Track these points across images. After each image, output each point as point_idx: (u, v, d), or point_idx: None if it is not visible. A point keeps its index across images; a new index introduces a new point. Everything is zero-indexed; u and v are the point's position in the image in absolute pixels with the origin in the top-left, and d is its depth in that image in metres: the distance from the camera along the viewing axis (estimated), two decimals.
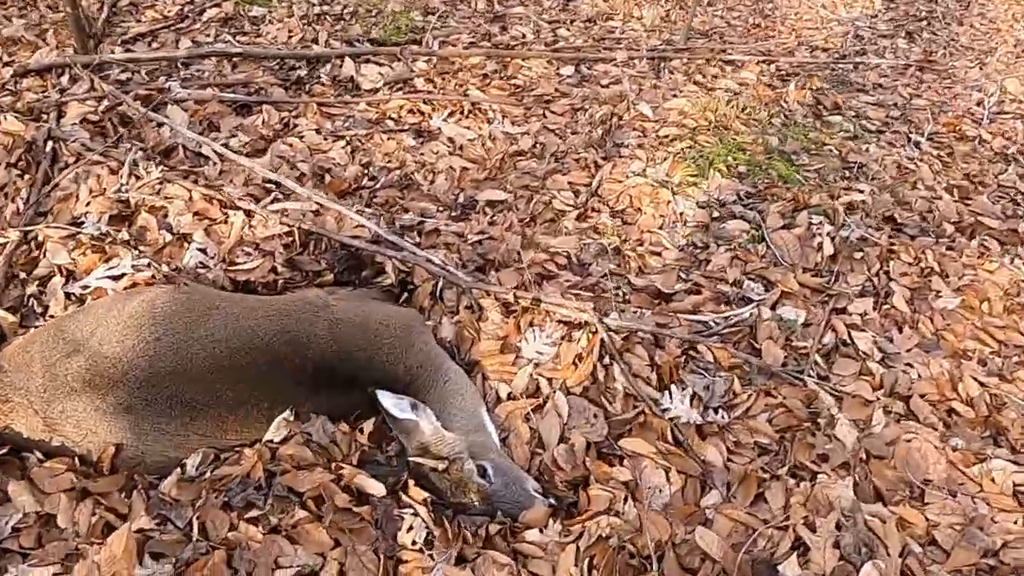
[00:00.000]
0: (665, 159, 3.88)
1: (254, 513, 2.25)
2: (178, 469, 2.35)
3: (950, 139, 4.82)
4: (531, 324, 2.78)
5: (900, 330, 2.95)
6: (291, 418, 2.44)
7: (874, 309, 3.02)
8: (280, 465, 2.38)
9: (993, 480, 2.37)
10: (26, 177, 3.41)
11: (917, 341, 2.91)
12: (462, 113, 4.32)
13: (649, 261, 3.25)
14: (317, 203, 3.21)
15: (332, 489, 2.30)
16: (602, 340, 2.68)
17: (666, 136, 4.17)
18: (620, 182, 3.75)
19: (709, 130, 4.22)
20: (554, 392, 2.61)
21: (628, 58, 5.41)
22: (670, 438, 2.45)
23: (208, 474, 2.37)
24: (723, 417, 2.52)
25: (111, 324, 2.41)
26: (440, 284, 2.95)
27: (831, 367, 2.76)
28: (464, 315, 2.83)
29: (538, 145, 4.12)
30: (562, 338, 2.75)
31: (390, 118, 4.24)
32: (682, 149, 3.96)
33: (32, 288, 2.88)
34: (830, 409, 2.56)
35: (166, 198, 3.29)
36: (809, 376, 2.67)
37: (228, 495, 2.30)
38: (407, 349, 2.61)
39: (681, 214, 3.50)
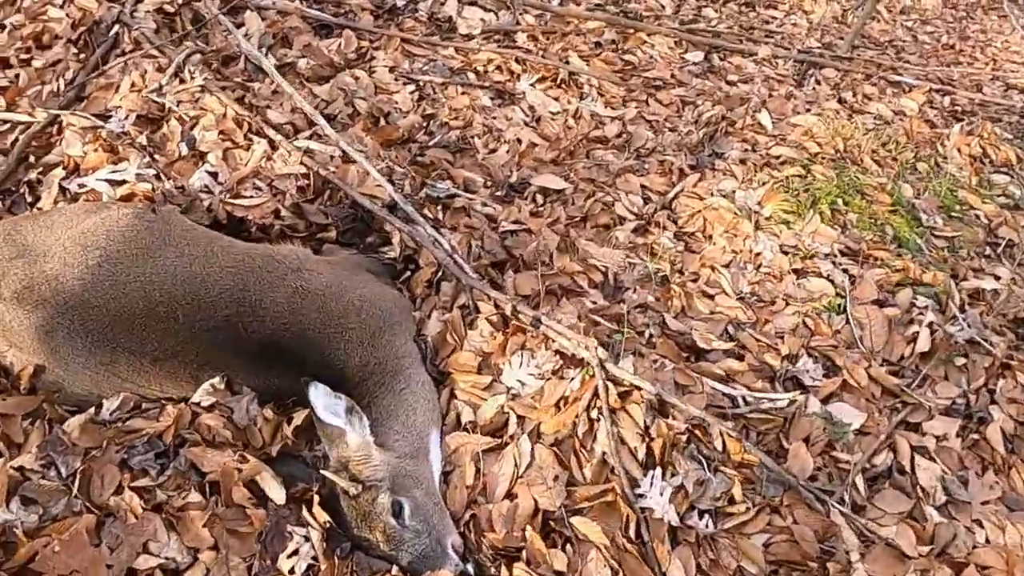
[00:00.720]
0: (763, 184, 3.27)
1: (145, 482, 2.01)
2: (93, 409, 2.15)
3: None
4: (523, 346, 2.37)
5: (983, 472, 2.31)
6: (220, 386, 2.18)
7: (958, 436, 2.38)
8: (194, 434, 2.13)
9: None
10: (81, 57, 3.29)
11: (1000, 493, 2.26)
12: (554, 81, 3.85)
13: (696, 302, 2.72)
14: (343, 150, 2.88)
15: (233, 479, 2.02)
16: (597, 387, 2.23)
17: (777, 156, 3.54)
18: (700, 199, 3.20)
19: (831, 160, 3.54)
20: (521, 434, 2.20)
21: (772, 56, 4.70)
22: (634, 532, 1.99)
23: (121, 423, 2.16)
24: (708, 525, 2.03)
25: (61, 238, 2.21)
26: (441, 273, 2.57)
27: (872, 497, 2.19)
28: (455, 315, 2.45)
29: (624, 135, 3.60)
30: (553, 372, 2.32)
31: (474, 70, 3.84)
32: (788, 176, 3.33)
33: (33, 174, 2.75)
34: (849, 553, 2.01)
35: (201, 108, 3.07)
36: (839, 503, 2.11)
37: (129, 452, 2.08)
38: (372, 340, 2.27)
39: (757, 255, 2.93)
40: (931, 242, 3.19)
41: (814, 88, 4.49)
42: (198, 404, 2.18)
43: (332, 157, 2.95)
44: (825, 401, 2.41)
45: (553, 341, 2.36)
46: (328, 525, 1.96)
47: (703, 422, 2.20)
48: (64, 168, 2.76)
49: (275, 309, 2.22)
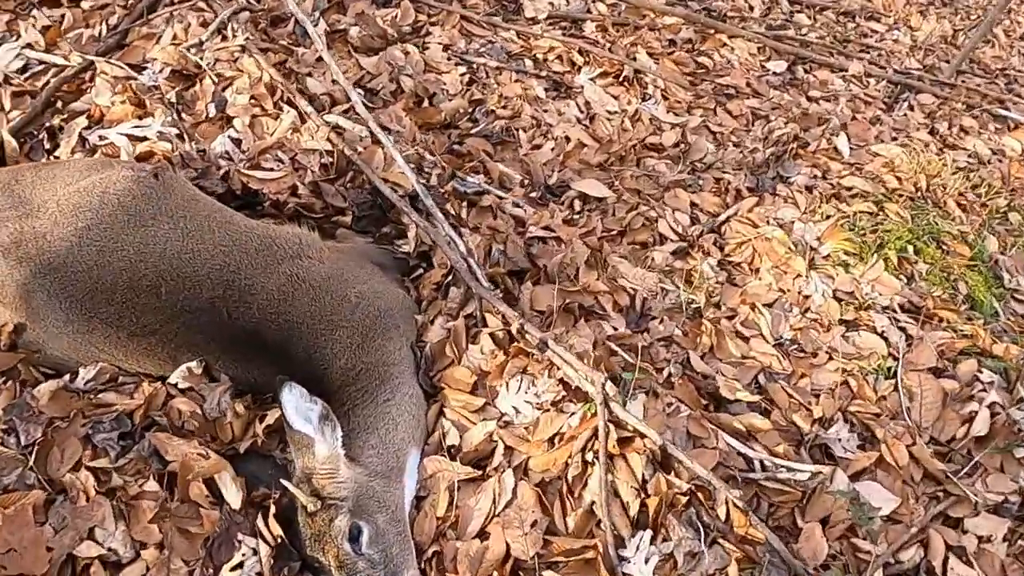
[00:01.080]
0: (827, 218, 2.96)
1: (104, 463, 1.91)
2: (68, 376, 2.06)
3: None
4: (524, 370, 2.17)
5: None
6: (197, 370, 2.06)
7: (1005, 539, 2.08)
8: (164, 418, 2.02)
9: None
10: (128, 3, 3.21)
11: None
12: (616, 78, 3.59)
13: (728, 343, 2.47)
14: (371, 130, 2.72)
15: (191, 474, 1.90)
16: (597, 428, 2.02)
17: (849, 188, 3.21)
18: (754, 226, 2.92)
19: (910, 198, 3.19)
20: (506, 467, 2.01)
21: (864, 73, 4.31)
22: None
23: (94, 394, 2.06)
24: None
25: (58, 194, 2.11)
26: (452, 276, 2.39)
27: None
28: (459, 325, 2.27)
29: (683, 145, 3.33)
30: (553, 403, 2.12)
31: (532, 57, 3.61)
32: (856, 212, 3.01)
33: (57, 120, 2.67)
34: None
35: (237, 70, 2.95)
36: None
37: (95, 428, 1.98)
38: (363, 342, 2.11)
39: (806, 297, 2.65)
40: (1010, 307, 2.83)
41: (905, 114, 4.09)
42: (175, 385, 2.08)
43: (361, 137, 2.79)
44: (855, 478, 2.14)
45: (558, 369, 2.16)
46: (280, 540, 1.82)
47: (709, 485, 1.97)
48: (88, 117, 2.68)
49: (264, 296, 2.08)
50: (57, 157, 2.57)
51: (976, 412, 2.32)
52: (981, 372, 2.45)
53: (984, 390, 2.39)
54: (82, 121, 2.65)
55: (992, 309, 2.77)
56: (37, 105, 2.68)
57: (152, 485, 1.90)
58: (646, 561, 1.83)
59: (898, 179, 3.32)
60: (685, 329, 2.50)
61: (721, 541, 1.90)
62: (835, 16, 5.15)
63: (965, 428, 2.30)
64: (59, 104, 2.73)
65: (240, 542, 1.83)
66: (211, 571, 1.78)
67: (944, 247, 2.95)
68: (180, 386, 2.08)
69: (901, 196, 3.19)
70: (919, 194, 3.26)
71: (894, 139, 3.73)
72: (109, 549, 1.79)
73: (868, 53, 4.72)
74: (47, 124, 2.65)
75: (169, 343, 2.04)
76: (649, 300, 2.58)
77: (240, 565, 1.78)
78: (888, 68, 4.51)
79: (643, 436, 2.03)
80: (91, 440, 1.96)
